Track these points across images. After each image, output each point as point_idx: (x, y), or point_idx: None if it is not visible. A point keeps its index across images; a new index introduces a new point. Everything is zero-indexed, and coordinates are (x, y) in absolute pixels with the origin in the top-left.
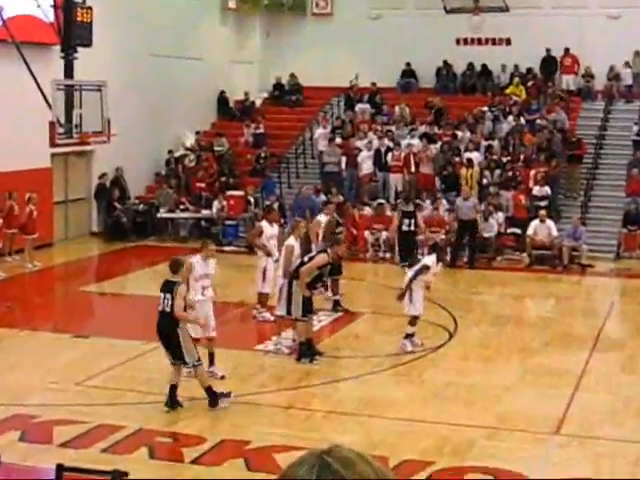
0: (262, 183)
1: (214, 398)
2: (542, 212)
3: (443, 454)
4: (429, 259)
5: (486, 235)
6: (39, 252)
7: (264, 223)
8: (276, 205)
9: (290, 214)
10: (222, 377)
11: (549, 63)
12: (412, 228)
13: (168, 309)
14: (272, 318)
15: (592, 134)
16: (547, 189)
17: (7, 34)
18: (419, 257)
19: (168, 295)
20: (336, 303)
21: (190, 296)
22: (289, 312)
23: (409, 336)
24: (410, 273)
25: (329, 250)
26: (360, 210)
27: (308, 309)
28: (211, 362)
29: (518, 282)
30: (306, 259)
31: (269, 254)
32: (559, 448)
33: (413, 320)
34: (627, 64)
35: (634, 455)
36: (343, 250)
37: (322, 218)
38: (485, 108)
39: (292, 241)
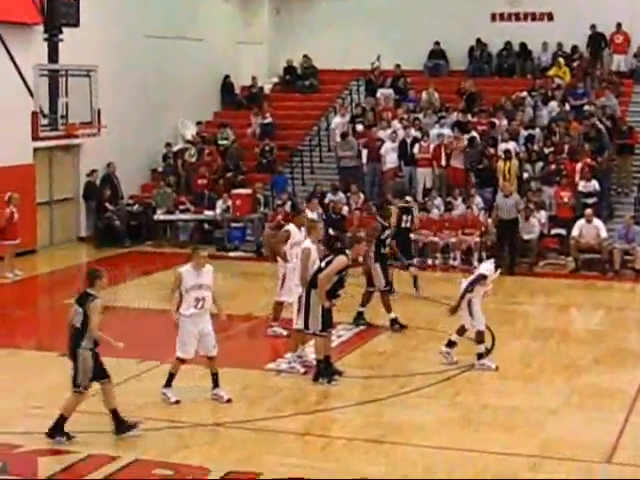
0: (272, 180)
1: (56, 429)
2: (588, 211)
3: None
4: (485, 267)
5: (527, 237)
6: (21, 260)
7: (292, 227)
8: (288, 204)
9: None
10: (228, 400)
11: (597, 41)
12: (408, 225)
13: (77, 325)
14: (284, 332)
15: None
16: (595, 184)
17: None
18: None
19: (80, 309)
20: (359, 315)
21: (185, 310)
22: (307, 326)
23: (482, 356)
24: (464, 283)
25: (348, 251)
26: None
27: (328, 323)
28: (215, 384)
29: (563, 290)
30: (323, 264)
31: (285, 260)
32: (611, 478)
33: (480, 336)
34: None
35: None
36: (363, 250)
37: (290, 227)
38: (524, 93)
39: (309, 244)
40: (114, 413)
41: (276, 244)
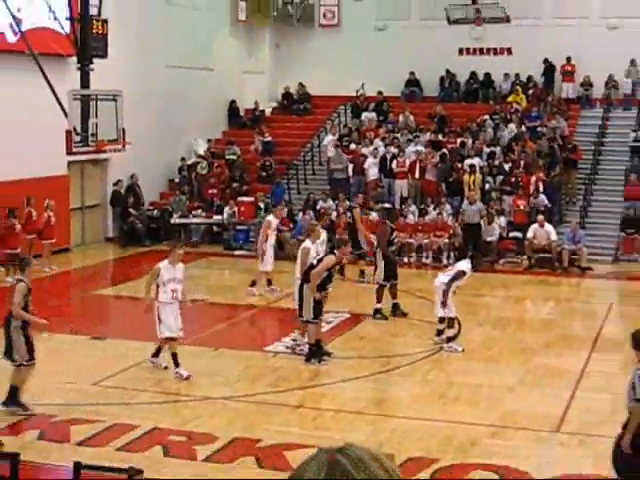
0: (272, 189)
1: (13, 401)
2: (540, 217)
3: (448, 452)
4: (464, 265)
5: (489, 239)
6: (57, 257)
7: (320, 228)
8: (285, 210)
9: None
10: (187, 377)
11: (549, 72)
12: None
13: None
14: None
15: (590, 141)
16: (544, 198)
17: (25, 46)
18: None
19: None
20: (395, 307)
21: (162, 298)
22: (301, 314)
23: (452, 339)
24: (445, 278)
25: (336, 251)
26: (367, 215)
27: (318, 312)
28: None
29: (519, 285)
30: (315, 262)
31: None
32: (560, 446)
33: (450, 322)
34: (628, 72)
35: None
36: (349, 250)
37: (271, 218)
38: (487, 116)
39: (308, 244)
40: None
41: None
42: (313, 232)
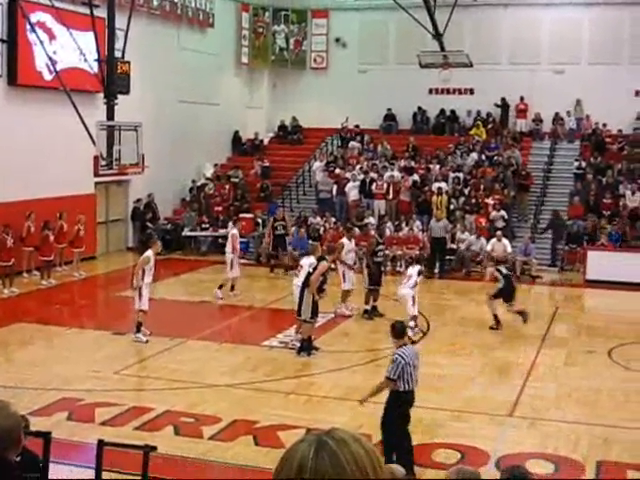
0: (268, 207)
1: None
2: (498, 232)
3: (417, 433)
4: (417, 269)
5: (461, 247)
6: (84, 263)
7: (345, 240)
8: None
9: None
10: (146, 341)
11: (505, 109)
12: (283, 231)
13: None
14: (347, 312)
15: (540, 168)
16: (503, 213)
17: (59, 83)
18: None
19: None
20: (374, 309)
21: (145, 280)
22: (299, 313)
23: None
24: (409, 284)
25: (327, 257)
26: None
27: (315, 312)
28: (138, 330)
29: (479, 290)
30: (311, 269)
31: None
32: (513, 428)
33: (414, 319)
34: (568, 113)
35: (574, 434)
36: (338, 257)
37: (236, 231)
38: (452, 146)
39: (312, 259)
40: None
41: (338, 254)
42: (316, 250)
